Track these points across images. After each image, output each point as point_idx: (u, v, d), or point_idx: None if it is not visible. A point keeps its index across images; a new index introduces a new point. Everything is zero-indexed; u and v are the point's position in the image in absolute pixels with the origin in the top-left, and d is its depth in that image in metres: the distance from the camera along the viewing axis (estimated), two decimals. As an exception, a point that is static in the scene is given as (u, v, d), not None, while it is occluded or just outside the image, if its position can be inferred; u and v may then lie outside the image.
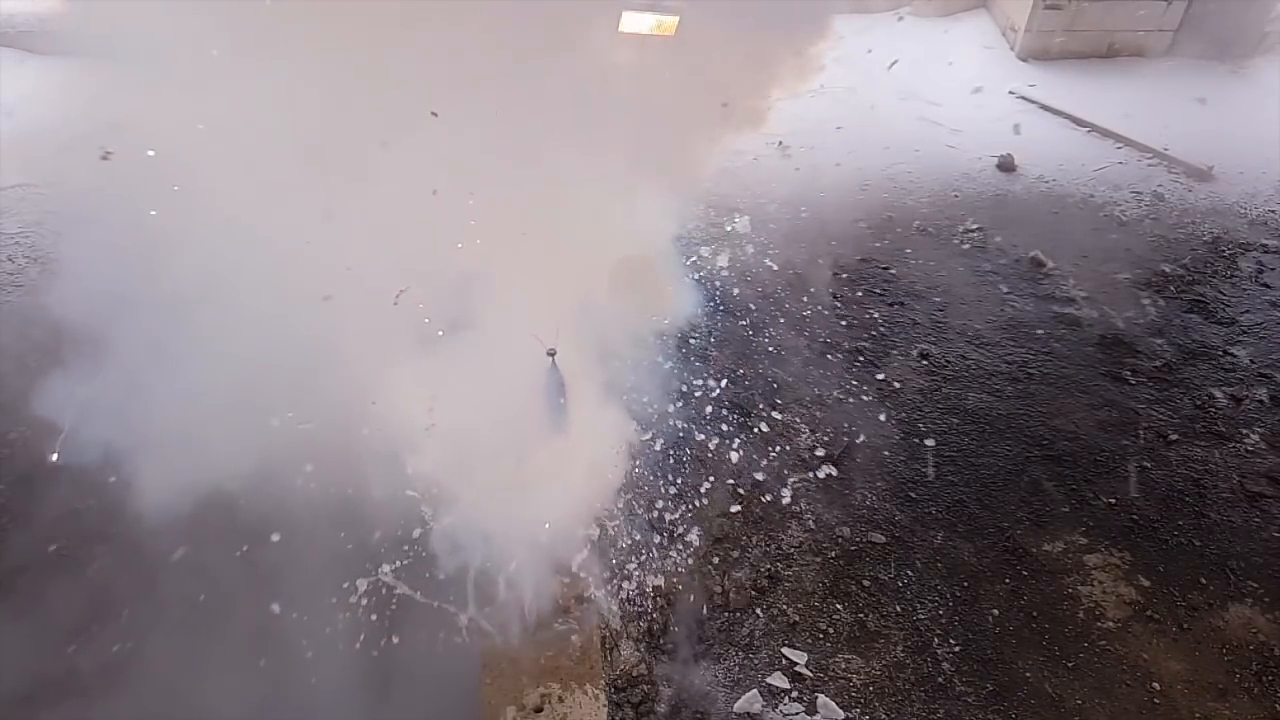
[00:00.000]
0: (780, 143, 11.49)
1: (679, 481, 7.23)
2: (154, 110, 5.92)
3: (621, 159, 6.86)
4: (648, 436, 7.47)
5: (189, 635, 5.86)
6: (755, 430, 7.79)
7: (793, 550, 6.90)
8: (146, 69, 5.85)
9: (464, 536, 6.24)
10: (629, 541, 6.69)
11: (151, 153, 5.83)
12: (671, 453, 7.45)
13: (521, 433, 6.33)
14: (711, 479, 7.30)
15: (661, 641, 6.19)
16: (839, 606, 6.55)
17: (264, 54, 5.72)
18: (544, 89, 6.24)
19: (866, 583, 6.73)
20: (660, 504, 7.02)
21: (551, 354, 6.39)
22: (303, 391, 6.10)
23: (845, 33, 13.24)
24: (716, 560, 6.75)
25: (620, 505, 6.92)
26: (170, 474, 6.03)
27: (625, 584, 6.42)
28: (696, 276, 9.37)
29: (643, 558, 6.61)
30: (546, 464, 6.40)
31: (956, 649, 6.36)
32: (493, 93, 5.96)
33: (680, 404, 7.91)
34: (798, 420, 7.94)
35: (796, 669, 6.12)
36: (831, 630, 6.41)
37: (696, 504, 7.09)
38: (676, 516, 6.96)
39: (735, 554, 6.82)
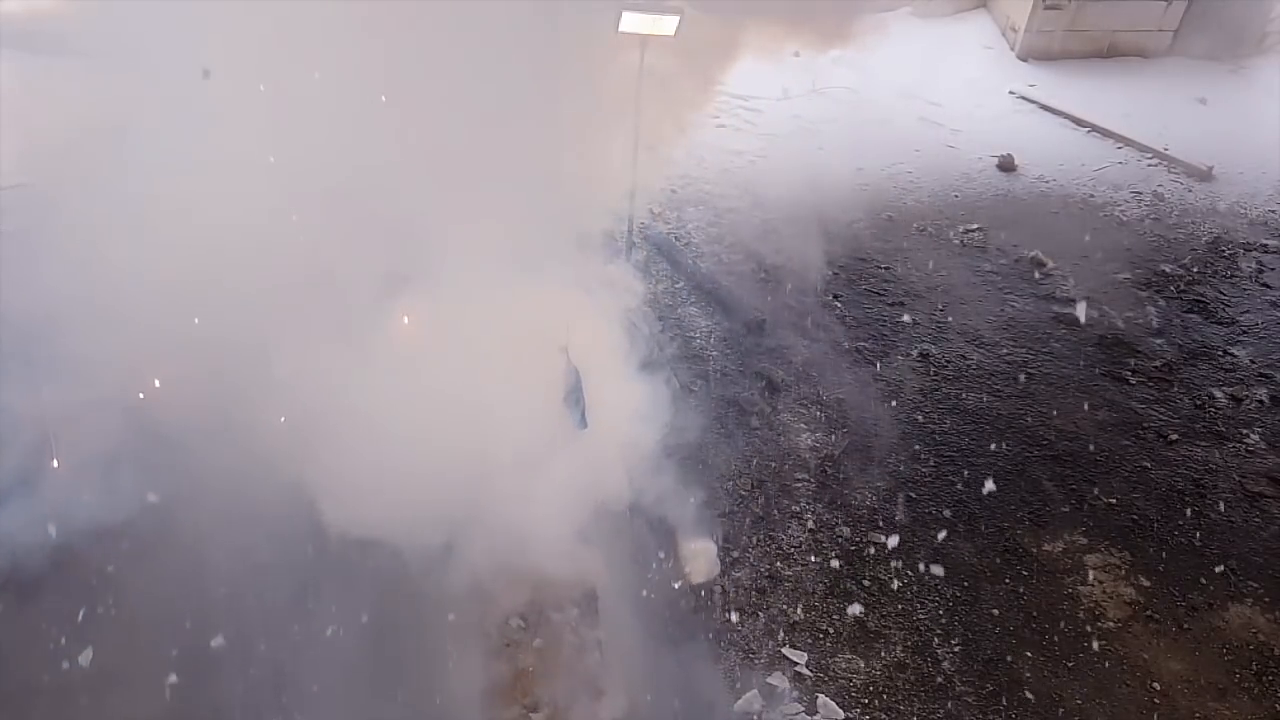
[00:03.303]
0: (780, 142, 11.48)
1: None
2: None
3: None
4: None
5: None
6: (755, 430, 7.79)
7: (793, 550, 6.89)
8: (143, 68, 5.87)
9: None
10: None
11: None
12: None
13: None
14: (710, 479, 7.30)
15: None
16: (839, 606, 6.55)
17: (257, 52, 5.74)
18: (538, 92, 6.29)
19: (867, 583, 6.72)
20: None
21: (564, 351, 6.40)
22: None
23: (845, 33, 13.22)
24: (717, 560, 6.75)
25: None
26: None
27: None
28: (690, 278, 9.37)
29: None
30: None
31: (956, 649, 6.35)
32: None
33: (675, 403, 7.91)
34: (797, 420, 7.94)
35: (797, 669, 6.12)
36: (831, 630, 6.40)
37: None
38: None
39: (735, 554, 6.82)
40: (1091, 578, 6.84)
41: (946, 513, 7.26)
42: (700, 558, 6.53)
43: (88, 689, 5.41)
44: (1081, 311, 8.57)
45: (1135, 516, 7.35)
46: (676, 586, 6.27)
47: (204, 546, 6.04)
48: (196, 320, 6.04)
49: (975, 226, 10.38)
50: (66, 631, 5.64)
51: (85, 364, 6.11)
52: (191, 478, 6.23)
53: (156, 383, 6.32)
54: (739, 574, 6.68)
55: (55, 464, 6.24)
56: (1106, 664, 6.31)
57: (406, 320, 6.53)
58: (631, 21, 7.18)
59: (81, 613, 5.70)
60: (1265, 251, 10.33)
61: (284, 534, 6.04)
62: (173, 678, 5.45)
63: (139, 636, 5.65)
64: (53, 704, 5.37)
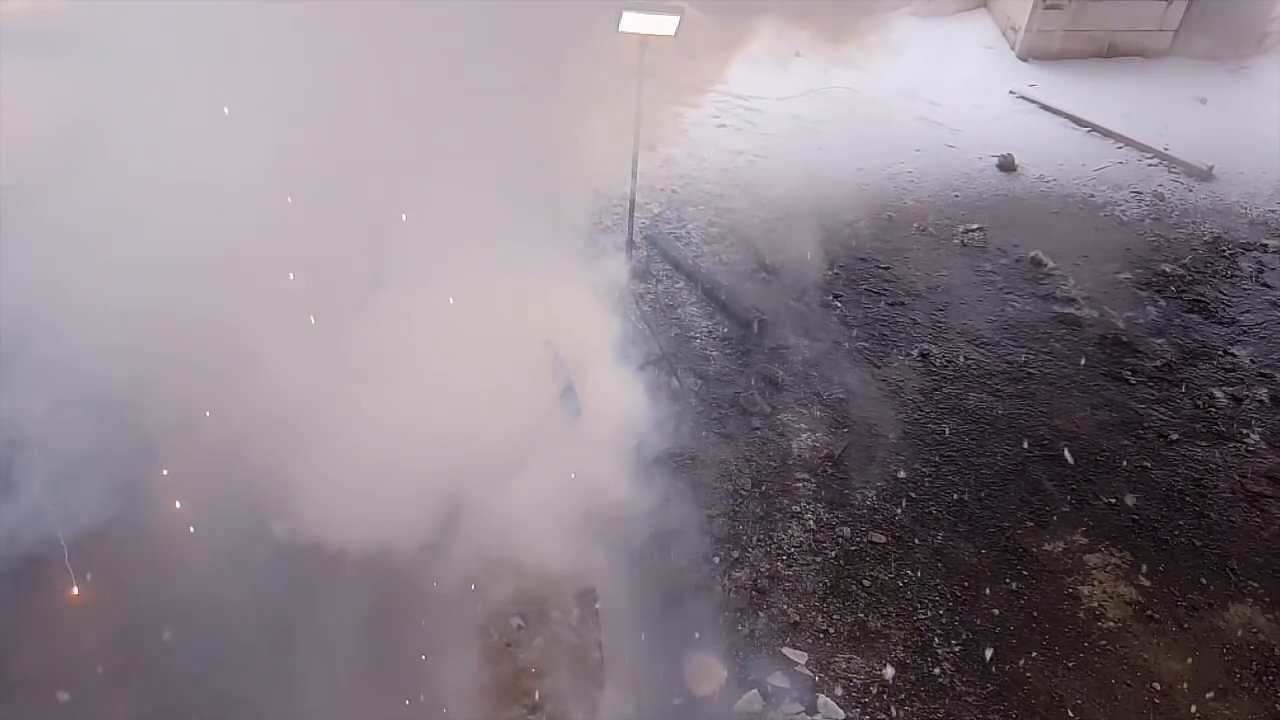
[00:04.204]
0: (780, 142, 11.48)
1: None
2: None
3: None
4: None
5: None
6: (755, 430, 7.79)
7: (793, 550, 6.89)
8: (140, 68, 5.87)
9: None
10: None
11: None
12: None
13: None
14: (712, 478, 7.31)
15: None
16: (839, 606, 6.55)
17: (252, 55, 5.74)
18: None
19: (866, 583, 6.73)
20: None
21: (548, 344, 6.41)
22: None
23: (845, 33, 13.23)
24: (717, 560, 6.75)
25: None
26: None
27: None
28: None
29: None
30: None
31: (956, 649, 6.35)
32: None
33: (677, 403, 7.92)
34: (798, 420, 7.94)
35: (796, 669, 6.12)
36: (831, 630, 6.40)
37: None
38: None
39: (735, 554, 6.82)
40: (1092, 577, 6.85)
41: (946, 513, 7.26)
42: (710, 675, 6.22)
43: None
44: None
45: (1135, 516, 7.35)
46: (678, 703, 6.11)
47: (194, 547, 6.04)
48: (186, 319, 6.05)
49: (975, 226, 10.38)
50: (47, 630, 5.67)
51: (79, 363, 6.12)
52: (178, 477, 6.24)
53: (174, 489, 6.30)
54: (739, 574, 6.68)
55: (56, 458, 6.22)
56: (1107, 664, 6.32)
57: (400, 315, 6.52)
58: (632, 21, 7.19)
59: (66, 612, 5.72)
60: (1265, 251, 10.34)
61: (278, 533, 6.05)
62: (163, 681, 5.45)
63: (124, 639, 5.66)
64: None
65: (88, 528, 6.00)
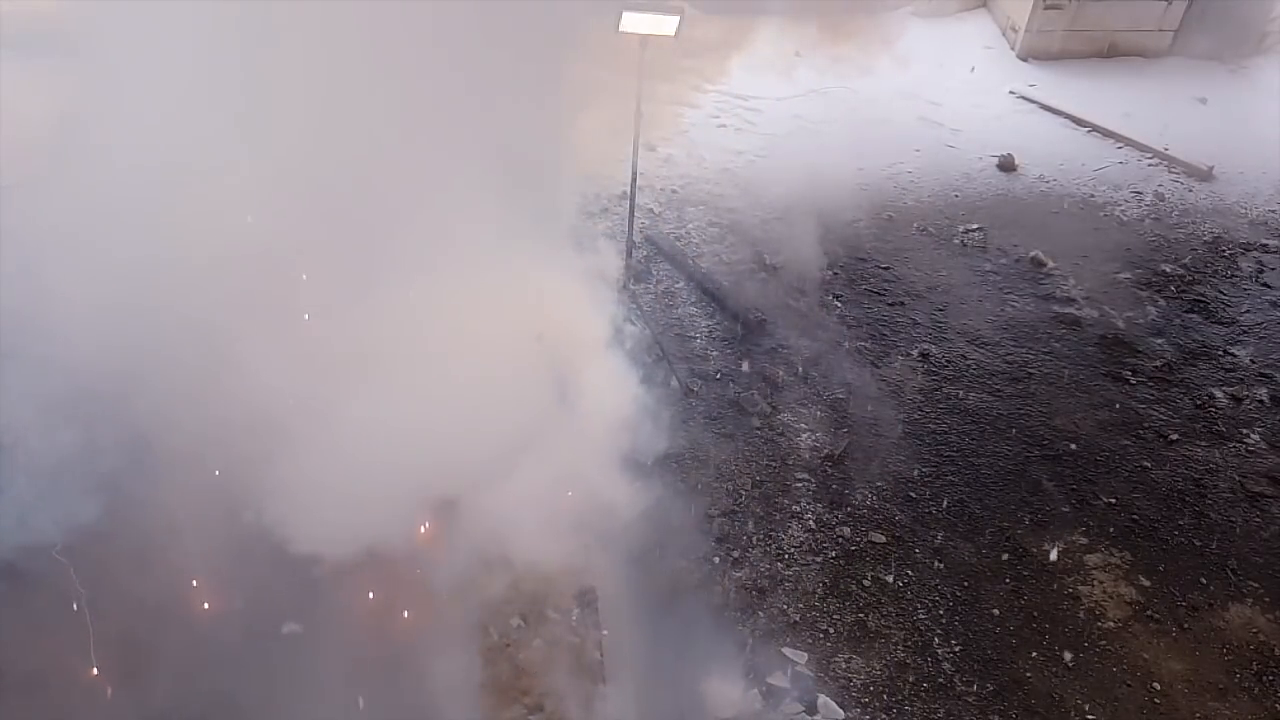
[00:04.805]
0: (780, 142, 11.47)
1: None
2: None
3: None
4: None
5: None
6: (756, 430, 7.79)
7: (793, 550, 6.89)
8: (138, 69, 5.87)
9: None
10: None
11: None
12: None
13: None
14: (712, 478, 7.31)
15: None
16: (839, 606, 6.54)
17: (250, 55, 5.75)
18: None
19: (867, 582, 6.72)
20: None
21: (541, 340, 6.41)
22: None
23: (845, 33, 13.21)
24: (717, 560, 6.74)
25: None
26: None
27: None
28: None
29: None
30: None
31: (957, 649, 6.35)
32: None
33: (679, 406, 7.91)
34: (797, 420, 7.93)
35: (797, 669, 6.11)
36: (831, 630, 6.40)
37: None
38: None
39: (735, 554, 6.81)
40: (1092, 577, 6.85)
41: (946, 513, 7.26)
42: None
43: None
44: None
45: (1135, 516, 7.34)
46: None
47: (185, 548, 6.04)
48: (182, 318, 6.06)
49: (975, 226, 10.38)
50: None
51: (73, 363, 6.12)
52: (175, 476, 6.23)
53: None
54: (739, 574, 6.67)
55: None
56: (1107, 664, 6.31)
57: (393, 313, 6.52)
58: (632, 21, 7.18)
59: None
60: (1265, 251, 10.33)
61: (276, 533, 6.05)
62: (165, 681, 5.45)
63: (124, 635, 5.65)
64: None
65: (77, 526, 6.00)
